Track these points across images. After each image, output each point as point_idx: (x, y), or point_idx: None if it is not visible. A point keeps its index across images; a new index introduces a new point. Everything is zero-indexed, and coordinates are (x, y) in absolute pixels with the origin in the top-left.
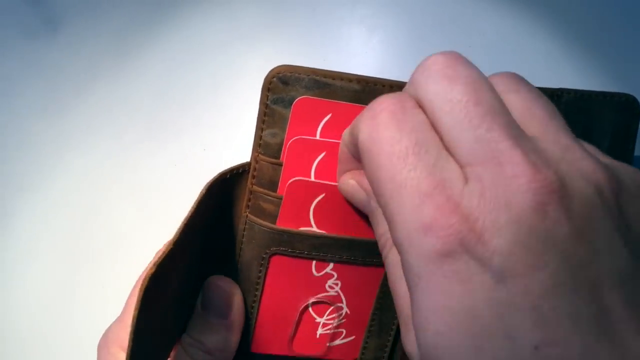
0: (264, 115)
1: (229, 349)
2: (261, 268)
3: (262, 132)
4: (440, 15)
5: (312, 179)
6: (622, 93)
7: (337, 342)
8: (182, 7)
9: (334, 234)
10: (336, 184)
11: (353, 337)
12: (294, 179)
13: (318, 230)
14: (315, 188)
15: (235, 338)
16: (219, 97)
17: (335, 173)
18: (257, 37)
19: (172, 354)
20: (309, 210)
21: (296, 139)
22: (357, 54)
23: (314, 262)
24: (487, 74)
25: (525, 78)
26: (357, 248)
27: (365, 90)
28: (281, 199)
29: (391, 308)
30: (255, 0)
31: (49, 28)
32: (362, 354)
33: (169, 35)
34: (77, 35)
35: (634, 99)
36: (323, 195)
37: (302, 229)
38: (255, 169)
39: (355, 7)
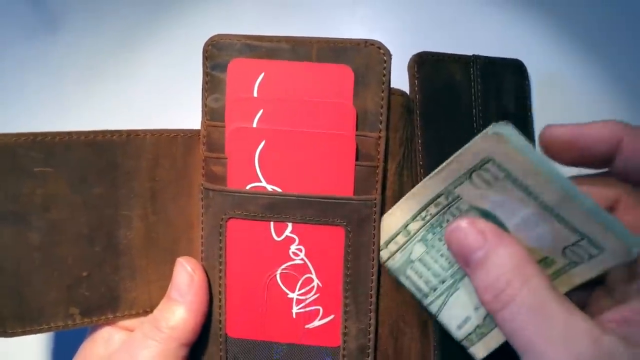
0: (206, 83)
1: (183, 330)
2: (220, 237)
3: (206, 99)
4: (440, 16)
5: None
6: (513, 58)
7: (316, 323)
8: (182, 7)
9: (283, 192)
10: (275, 128)
11: (332, 316)
12: (234, 126)
13: (268, 186)
14: (256, 134)
15: (193, 320)
16: None
17: (275, 122)
18: None
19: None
20: (254, 162)
21: (235, 99)
22: None
23: (271, 223)
24: None
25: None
26: (310, 206)
27: (293, 48)
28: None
29: (362, 282)
30: (255, 1)
31: (49, 28)
32: (344, 341)
33: (168, 35)
34: (77, 35)
35: (521, 63)
36: (264, 141)
37: (251, 185)
38: (204, 136)
39: (355, 7)
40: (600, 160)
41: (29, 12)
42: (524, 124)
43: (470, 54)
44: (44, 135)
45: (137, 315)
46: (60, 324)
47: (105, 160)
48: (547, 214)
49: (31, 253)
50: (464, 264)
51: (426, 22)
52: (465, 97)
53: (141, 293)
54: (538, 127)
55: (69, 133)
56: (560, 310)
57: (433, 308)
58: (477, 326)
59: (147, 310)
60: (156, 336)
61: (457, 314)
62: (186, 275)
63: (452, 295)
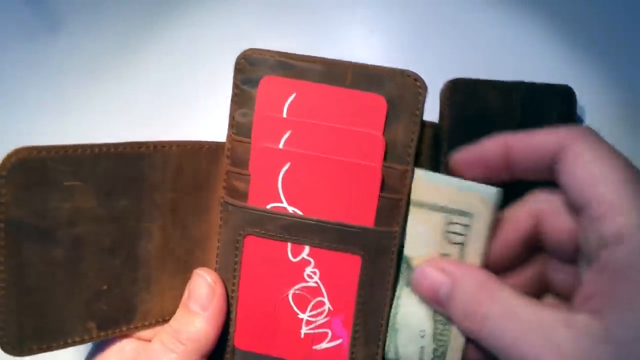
0: (235, 96)
1: (205, 342)
2: (237, 252)
3: (234, 112)
4: (440, 16)
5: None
6: (561, 84)
7: (324, 345)
8: (182, 7)
9: (303, 215)
10: (302, 151)
11: (340, 340)
12: (261, 145)
13: (289, 207)
14: (281, 156)
15: (213, 332)
16: (219, 97)
17: (302, 145)
18: (257, 37)
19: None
20: (277, 183)
21: (263, 117)
22: (357, 54)
23: (289, 244)
24: (486, 73)
25: (524, 77)
26: (328, 231)
27: (328, 71)
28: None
29: (375, 311)
30: (255, 1)
31: (49, 28)
32: None
33: (169, 35)
34: (77, 35)
35: (571, 89)
36: (289, 164)
37: (272, 205)
38: (229, 149)
39: (355, 7)
40: (501, 169)
41: (29, 12)
42: None
43: (473, 54)
44: (74, 148)
45: (151, 325)
46: (77, 339)
47: (133, 172)
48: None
49: (55, 269)
50: (437, 304)
51: (427, 22)
52: (500, 125)
53: (155, 304)
54: None
55: (99, 145)
56: (531, 311)
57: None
58: (434, 349)
59: (160, 320)
60: (177, 348)
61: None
62: (207, 287)
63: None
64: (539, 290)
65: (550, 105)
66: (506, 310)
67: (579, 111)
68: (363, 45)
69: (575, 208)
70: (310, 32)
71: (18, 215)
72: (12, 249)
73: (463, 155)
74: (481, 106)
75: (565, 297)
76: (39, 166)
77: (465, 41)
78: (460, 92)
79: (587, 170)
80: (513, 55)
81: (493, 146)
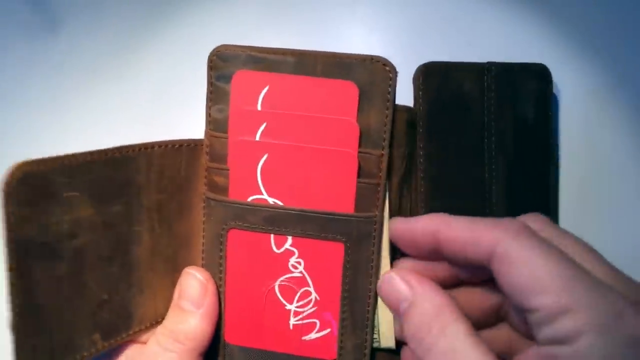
0: (210, 93)
1: (202, 339)
2: (221, 247)
3: (210, 109)
4: (440, 15)
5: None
6: (536, 63)
7: (313, 335)
8: (182, 7)
9: (283, 206)
10: (278, 142)
11: (328, 329)
12: (237, 139)
13: (270, 199)
14: (258, 148)
15: (209, 328)
16: None
17: (278, 136)
18: (257, 37)
19: (146, 344)
20: (256, 175)
21: (238, 111)
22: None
23: (272, 236)
24: (463, 55)
25: (500, 58)
26: (309, 220)
27: (299, 62)
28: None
29: (360, 298)
30: (255, 0)
31: (49, 28)
32: (340, 355)
33: (169, 35)
34: (77, 35)
35: (546, 68)
36: (266, 155)
37: (252, 197)
38: (207, 146)
39: (355, 7)
40: (432, 253)
41: (29, 12)
42: (544, 133)
43: (473, 53)
44: (68, 157)
45: (147, 329)
46: (86, 354)
47: (122, 176)
48: None
49: (60, 285)
50: (396, 313)
51: (428, 21)
52: (475, 107)
53: (149, 307)
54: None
55: (90, 153)
56: (475, 356)
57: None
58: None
59: (154, 322)
60: (176, 348)
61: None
62: (198, 285)
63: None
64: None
65: (526, 85)
66: (449, 350)
67: (554, 90)
68: (363, 44)
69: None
70: (311, 31)
71: (25, 234)
72: (22, 270)
73: (397, 226)
74: (456, 89)
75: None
76: (41, 180)
77: (465, 41)
78: (433, 75)
79: (523, 276)
80: (513, 54)
81: (424, 232)
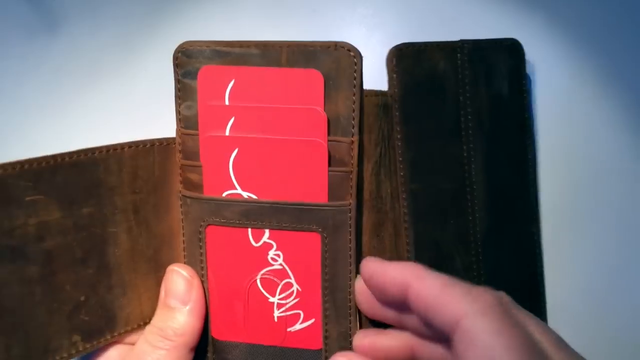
0: (178, 90)
1: (191, 334)
2: (200, 243)
3: (179, 106)
4: (440, 15)
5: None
6: (508, 38)
7: (297, 326)
8: (183, 7)
9: (258, 199)
10: (248, 135)
11: (313, 320)
12: (208, 135)
13: (244, 193)
14: (229, 143)
15: (197, 323)
16: None
17: (247, 129)
18: (257, 37)
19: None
20: (229, 170)
21: (207, 107)
22: None
23: (249, 230)
24: (435, 35)
25: (472, 35)
26: (284, 212)
27: (264, 53)
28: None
29: (341, 287)
30: (255, 0)
31: (49, 28)
32: (326, 344)
33: (169, 35)
34: (77, 35)
35: (518, 43)
36: (237, 149)
37: (227, 192)
38: (179, 144)
39: (355, 7)
40: (399, 304)
41: (29, 12)
42: (519, 108)
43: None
44: (30, 162)
45: (133, 330)
46: (65, 355)
47: (90, 178)
48: None
49: (32, 287)
50: None
51: (426, 22)
52: (450, 86)
53: (134, 308)
54: (538, 108)
55: (54, 156)
56: None
57: None
58: None
59: (141, 323)
60: (166, 345)
61: None
62: (184, 282)
63: None
64: None
65: (498, 60)
66: None
67: (529, 65)
68: (363, 45)
69: None
70: (311, 31)
71: None
72: None
73: (369, 267)
74: (429, 69)
75: None
76: (1, 185)
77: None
78: (406, 57)
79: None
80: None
81: (393, 281)
